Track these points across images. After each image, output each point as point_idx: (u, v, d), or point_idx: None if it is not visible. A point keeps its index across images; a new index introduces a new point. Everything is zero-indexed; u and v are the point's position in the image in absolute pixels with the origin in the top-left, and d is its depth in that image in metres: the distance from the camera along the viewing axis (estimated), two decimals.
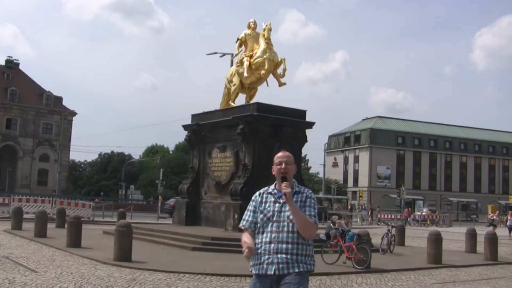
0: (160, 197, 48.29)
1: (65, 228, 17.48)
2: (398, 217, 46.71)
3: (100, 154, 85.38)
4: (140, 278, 10.33)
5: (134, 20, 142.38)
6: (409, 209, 48.73)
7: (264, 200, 4.10)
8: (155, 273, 10.89)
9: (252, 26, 21.39)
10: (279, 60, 20.57)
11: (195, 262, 12.61)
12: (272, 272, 3.82)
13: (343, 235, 13.89)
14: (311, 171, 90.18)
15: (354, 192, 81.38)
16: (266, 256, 3.87)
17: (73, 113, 72.85)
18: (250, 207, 4.15)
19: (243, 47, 21.40)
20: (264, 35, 20.35)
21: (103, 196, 64.88)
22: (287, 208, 3.91)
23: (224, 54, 36.00)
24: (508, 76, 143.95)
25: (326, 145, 70.49)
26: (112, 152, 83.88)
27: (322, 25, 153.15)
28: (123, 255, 12.23)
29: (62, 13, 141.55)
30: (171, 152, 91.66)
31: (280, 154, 4.15)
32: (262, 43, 20.32)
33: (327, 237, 14.90)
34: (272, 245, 3.87)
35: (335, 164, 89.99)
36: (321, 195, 60.78)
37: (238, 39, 21.39)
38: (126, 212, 27.57)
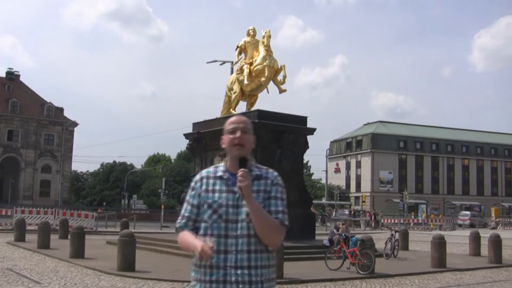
0: (163, 206, 48.25)
1: (68, 239, 17.45)
2: (402, 221, 46.68)
3: (102, 164, 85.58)
4: (144, 287, 10.33)
5: (133, 28, 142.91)
6: (369, 212, 49.90)
7: (210, 187, 2.81)
8: (159, 283, 10.88)
9: (252, 33, 21.46)
10: (279, 66, 20.63)
11: None
12: None
13: (347, 240, 13.87)
14: (313, 177, 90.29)
15: (357, 198, 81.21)
16: (221, 272, 2.67)
17: (75, 124, 72.93)
18: (189, 197, 2.87)
19: (242, 55, 21.47)
20: (263, 42, 20.42)
21: (106, 206, 64.84)
22: None
23: (224, 62, 36.07)
24: (507, 77, 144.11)
25: (327, 150, 70.53)
26: (114, 162, 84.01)
27: (320, 30, 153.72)
28: (127, 265, 12.22)
29: (60, 23, 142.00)
30: (173, 161, 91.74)
31: (234, 118, 2.88)
32: (262, 50, 20.38)
33: (330, 242, 14.89)
34: (229, 255, 2.69)
35: (337, 170, 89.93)
36: (324, 201, 60.74)
37: (237, 46, 21.47)
38: (129, 221, 27.54)
